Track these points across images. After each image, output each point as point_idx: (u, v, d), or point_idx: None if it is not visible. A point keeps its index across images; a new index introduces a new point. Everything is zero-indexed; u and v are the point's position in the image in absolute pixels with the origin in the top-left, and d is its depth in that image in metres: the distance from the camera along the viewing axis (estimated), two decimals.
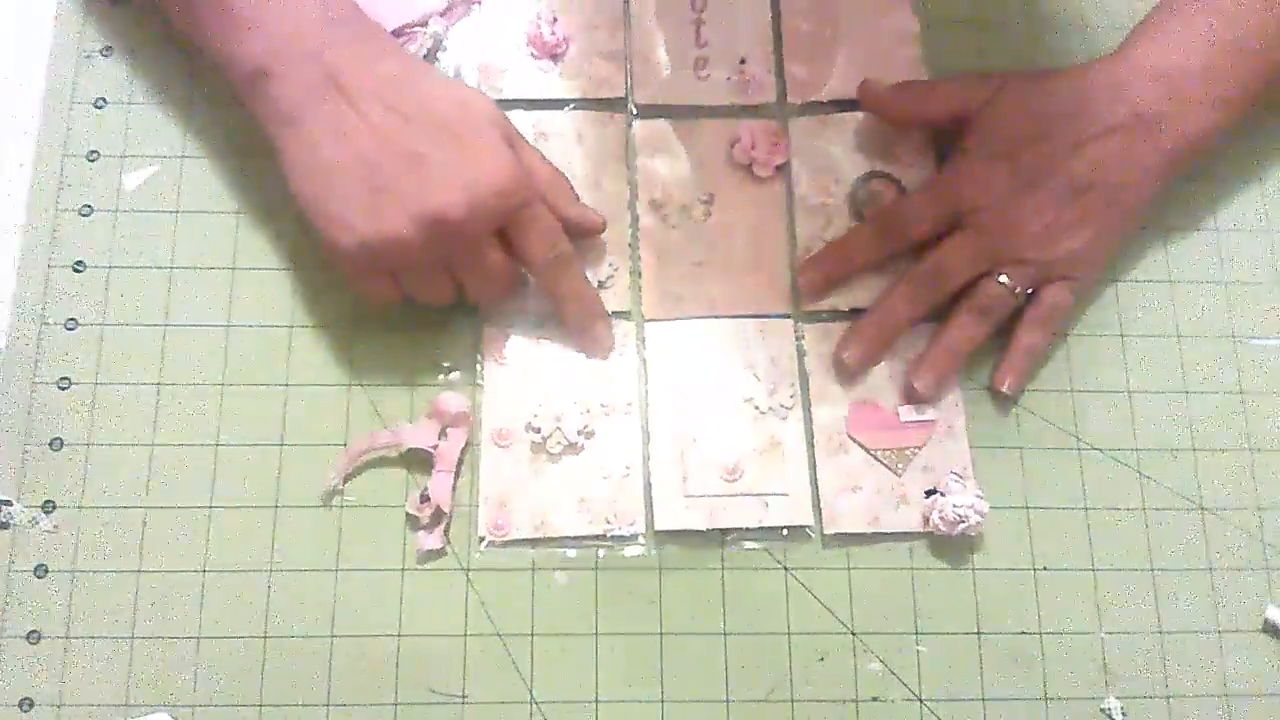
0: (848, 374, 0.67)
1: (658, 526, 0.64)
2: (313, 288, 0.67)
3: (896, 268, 0.69)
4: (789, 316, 0.68)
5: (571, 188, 0.67)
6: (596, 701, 0.61)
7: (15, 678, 0.60)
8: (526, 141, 0.66)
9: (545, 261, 0.63)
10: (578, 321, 0.66)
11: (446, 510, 0.63)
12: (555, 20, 0.72)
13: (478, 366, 0.66)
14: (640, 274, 0.68)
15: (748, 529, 0.64)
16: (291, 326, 0.66)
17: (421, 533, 0.63)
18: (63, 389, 0.65)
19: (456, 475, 0.64)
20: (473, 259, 0.62)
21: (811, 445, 0.66)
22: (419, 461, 0.64)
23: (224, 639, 0.61)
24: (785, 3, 0.74)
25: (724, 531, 0.64)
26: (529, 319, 0.67)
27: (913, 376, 0.66)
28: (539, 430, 0.65)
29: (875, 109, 0.71)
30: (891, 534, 0.65)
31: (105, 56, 0.71)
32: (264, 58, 0.61)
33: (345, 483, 0.64)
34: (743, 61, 0.73)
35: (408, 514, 0.63)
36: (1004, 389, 0.67)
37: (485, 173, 0.60)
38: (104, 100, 0.70)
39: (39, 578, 0.62)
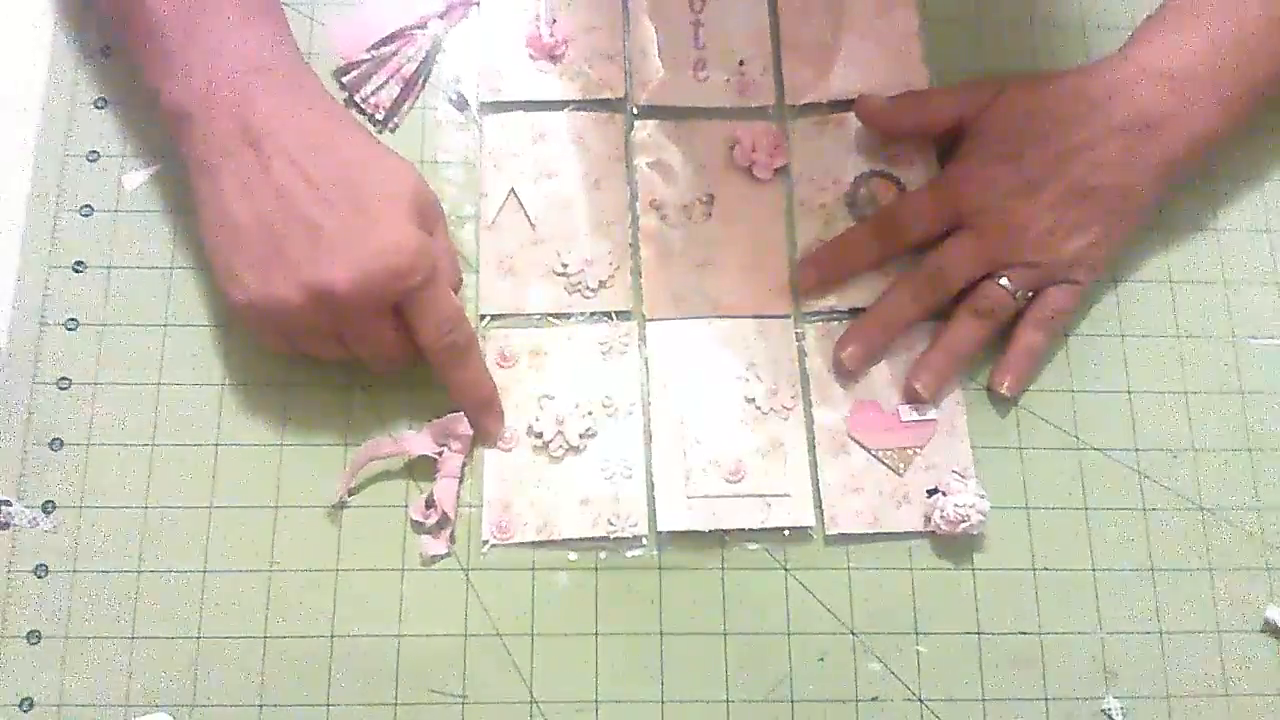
0: (848, 374, 0.67)
1: (660, 527, 0.64)
2: None
3: (897, 267, 0.69)
4: (789, 317, 0.68)
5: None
6: (596, 701, 0.61)
7: (15, 678, 0.60)
8: (444, 227, 0.65)
9: (438, 347, 0.61)
10: (469, 411, 0.64)
11: (452, 516, 0.63)
12: (554, 21, 0.72)
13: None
14: (641, 274, 0.68)
15: (749, 529, 0.64)
16: None
17: (426, 537, 0.63)
18: (63, 389, 0.65)
19: (460, 481, 0.64)
20: (361, 333, 0.60)
21: (813, 445, 0.66)
22: (421, 464, 0.64)
23: (224, 639, 0.61)
24: (784, 4, 0.74)
25: (725, 532, 0.64)
26: (530, 322, 0.67)
27: (913, 378, 0.66)
28: (541, 435, 0.65)
29: (874, 123, 0.71)
30: (893, 534, 0.65)
31: (105, 56, 0.71)
32: (187, 101, 0.61)
33: (351, 495, 0.64)
34: (741, 63, 0.73)
35: (412, 519, 0.63)
36: (1003, 390, 0.67)
37: (381, 250, 0.58)
38: (104, 100, 0.70)
39: (39, 578, 0.62)
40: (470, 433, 0.64)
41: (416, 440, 0.64)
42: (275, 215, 0.59)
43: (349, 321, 0.60)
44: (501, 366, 0.66)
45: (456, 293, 0.64)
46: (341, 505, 0.63)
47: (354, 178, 0.60)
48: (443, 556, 0.63)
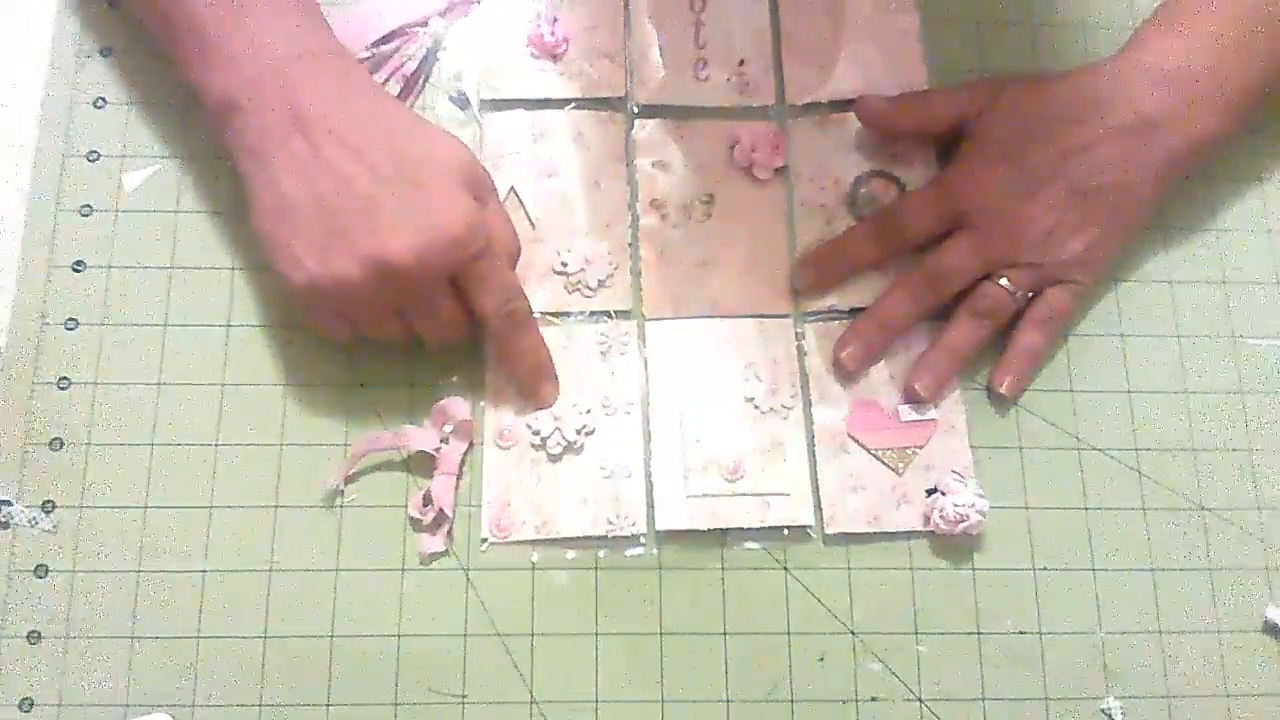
0: (848, 374, 0.67)
1: (659, 526, 0.64)
2: None
3: (897, 267, 0.69)
4: (789, 316, 0.68)
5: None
6: (596, 701, 0.61)
7: (15, 678, 0.60)
8: (497, 199, 0.65)
9: (496, 317, 0.62)
10: (526, 381, 0.65)
11: (449, 513, 0.63)
12: (555, 20, 0.72)
13: (481, 364, 0.66)
14: (641, 273, 0.68)
15: (748, 529, 0.64)
16: (292, 327, 0.66)
17: (424, 535, 0.63)
18: (63, 389, 0.65)
19: (459, 478, 0.64)
20: (422, 305, 0.61)
21: (812, 445, 0.66)
22: (420, 462, 0.64)
23: (224, 639, 0.61)
24: (784, 4, 0.74)
25: (724, 531, 0.64)
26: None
27: (913, 379, 0.66)
28: (538, 432, 0.65)
29: (874, 124, 0.71)
30: (892, 534, 0.65)
31: (105, 56, 0.71)
32: (234, 90, 0.61)
33: (347, 484, 0.64)
34: (742, 63, 0.73)
35: (410, 517, 0.63)
36: (1003, 390, 0.67)
37: (439, 220, 0.59)
38: (104, 100, 0.70)
39: (39, 578, 0.62)
40: (469, 418, 0.64)
41: (416, 435, 0.64)
42: (331, 195, 0.59)
43: (408, 294, 0.60)
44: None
45: (515, 264, 0.64)
46: (338, 493, 0.63)
47: (405, 154, 0.60)
48: (441, 554, 0.63)
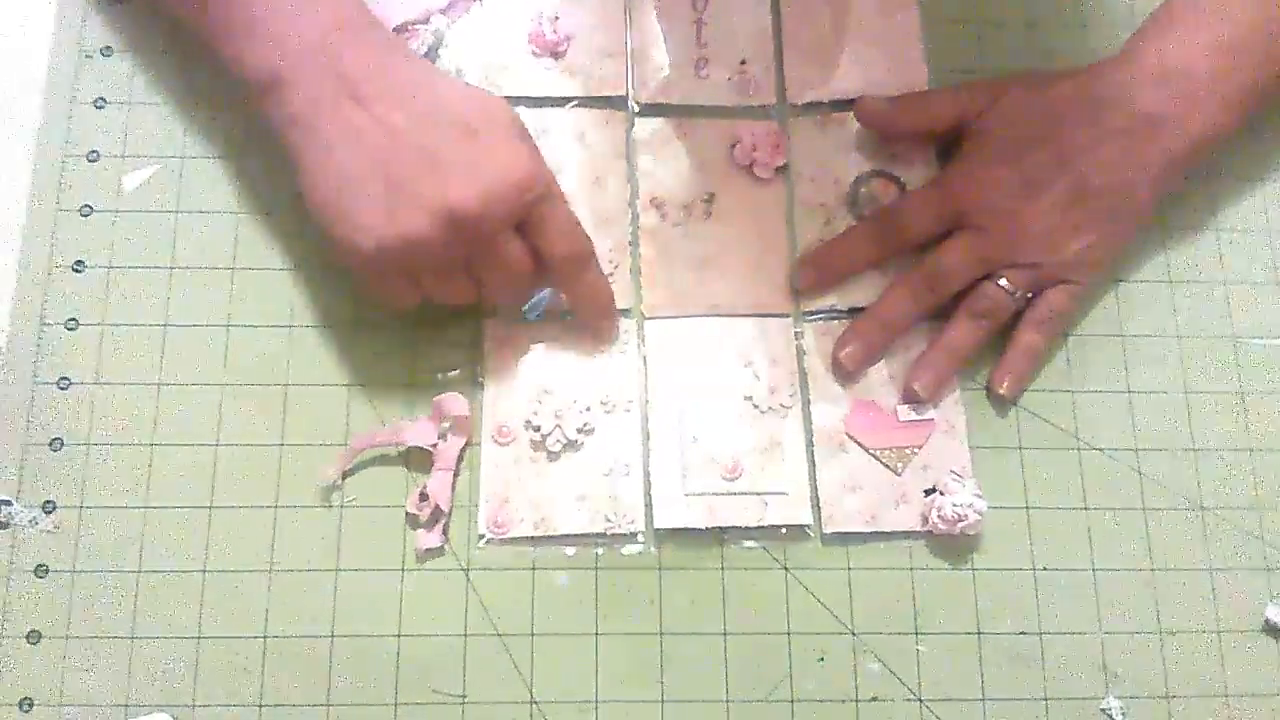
0: (847, 373, 0.67)
1: (657, 524, 0.64)
2: (313, 288, 0.67)
3: (897, 267, 0.69)
4: (789, 316, 0.68)
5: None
6: (596, 701, 0.61)
7: (15, 678, 0.60)
8: (538, 150, 0.64)
9: (564, 258, 0.63)
10: (591, 319, 0.66)
11: (446, 509, 0.63)
12: (557, 18, 0.72)
13: (480, 361, 0.66)
14: (641, 271, 0.68)
15: (747, 528, 0.64)
16: (291, 326, 0.66)
17: (421, 531, 0.63)
18: (63, 389, 0.65)
19: (456, 474, 0.64)
20: (492, 255, 0.61)
21: (811, 444, 0.66)
22: (419, 460, 0.64)
23: (224, 639, 0.61)
24: (786, 3, 0.74)
25: (723, 530, 0.64)
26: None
27: (912, 379, 0.66)
28: (539, 429, 0.65)
29: (874, 125, 0.71)
30: (891, 533, 0.65)
31: (105, 56, 0.71)
32: (278, 64, 0.61)
33: (344, 479, 0.64)
34: (743, 62, 0.73)
35: (407, 513, 0.63)
36: (1002, 390, 0.67)
37: (501, 166, 0.59)
38: (104, 100, 0.70)
39: (39, 578, 0.62)
40: (467, 414, 0.64)
41: (413, 430, 0.64)
42: (389, 154, 0.59)
43: (477, 244, 0.60)
44: (501, 361, 0.66)
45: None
46: (335, 488, 0.64)
47: (455, 109, 0.60)
48: (438, 550, 0.63)
